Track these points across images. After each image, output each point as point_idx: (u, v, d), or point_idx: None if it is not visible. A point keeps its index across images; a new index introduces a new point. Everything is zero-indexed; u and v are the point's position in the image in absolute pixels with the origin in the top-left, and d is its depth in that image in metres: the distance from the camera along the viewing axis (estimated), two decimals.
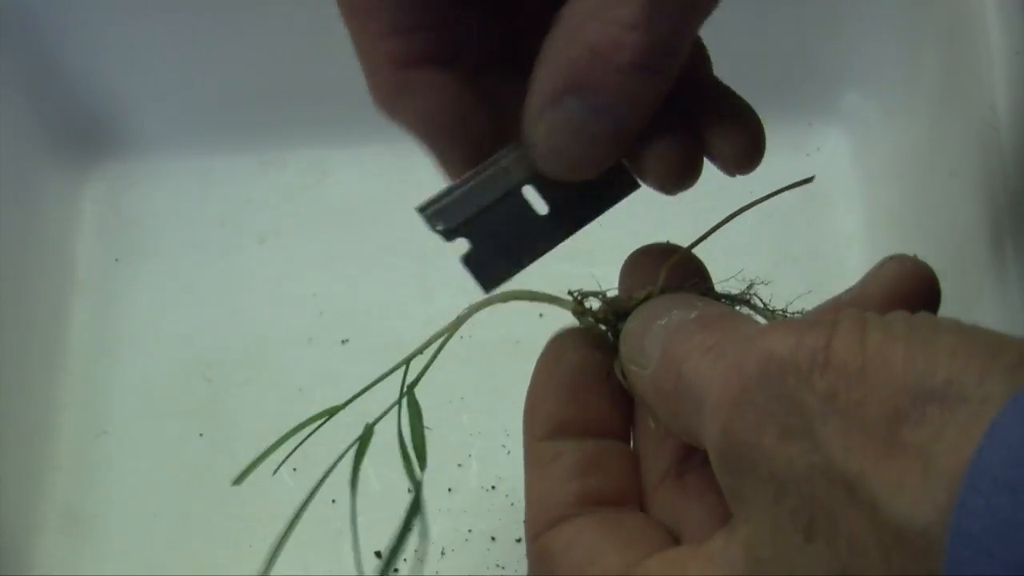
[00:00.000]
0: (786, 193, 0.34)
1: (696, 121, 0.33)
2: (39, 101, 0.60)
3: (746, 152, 0.33)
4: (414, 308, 0.58)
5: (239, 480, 0.35)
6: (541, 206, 0.35)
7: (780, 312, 0.33)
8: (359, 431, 0.55)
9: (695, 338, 0.29)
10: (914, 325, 0.25)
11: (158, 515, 0.54)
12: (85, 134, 0.62)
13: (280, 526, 0.53)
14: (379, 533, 0.53)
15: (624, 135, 0.31)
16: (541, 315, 0.57)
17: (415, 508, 0.36)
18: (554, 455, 0.33)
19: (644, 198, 0.35)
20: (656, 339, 0.31)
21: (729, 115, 0.33)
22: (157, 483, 0.54)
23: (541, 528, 0.32)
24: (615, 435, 0.33)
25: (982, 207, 0.49)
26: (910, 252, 0.34)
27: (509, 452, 0.54)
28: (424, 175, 0.62)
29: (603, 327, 0.34)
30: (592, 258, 0.57)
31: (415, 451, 0.39)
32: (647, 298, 0.33)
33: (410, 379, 0.38)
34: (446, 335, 0.36)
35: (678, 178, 0.33)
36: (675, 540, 0.30)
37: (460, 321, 0.36)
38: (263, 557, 0.53)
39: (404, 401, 0.37)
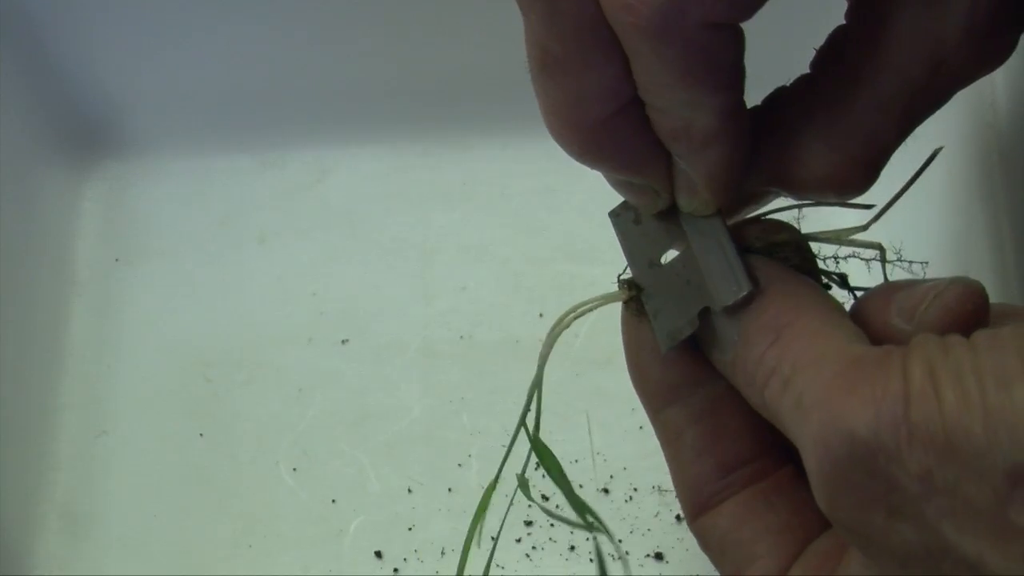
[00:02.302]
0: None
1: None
2: (39, 101, 0.60)
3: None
4: (414, 308, 0.58)
5: None
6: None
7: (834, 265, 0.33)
8: (362, 432, 0.55)
9: (767, 360, 0.29)
10: (982, 373, 0.25)
11: (158, 515, 0.54)
12: (85, 134, 0.62)
13: (280, 526, 0.54)
14: (379, 533, 0.53)
15: None
16: (541, 315, 0.57)
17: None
18: (677, 431, 0.33)
19: None
20: (725, 326, 0.31)
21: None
22: (157, 483, 0.54)
23: (694, 513, 0.33)
24: (714, 375, 0.33)
25: (982, 207, 0.49)
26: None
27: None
28: (423, 175, 0.62)
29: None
30: (592, 257, 0.57)
31: (576, 509, 0.40)
32: None
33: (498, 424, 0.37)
34: (539, 368, 0.36)
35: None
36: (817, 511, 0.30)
37: (543, 359, 0.36)
38: (263, 557, 0.53)
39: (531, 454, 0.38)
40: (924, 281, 0.29)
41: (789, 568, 0.32)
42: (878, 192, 0.33)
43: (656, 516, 0.52)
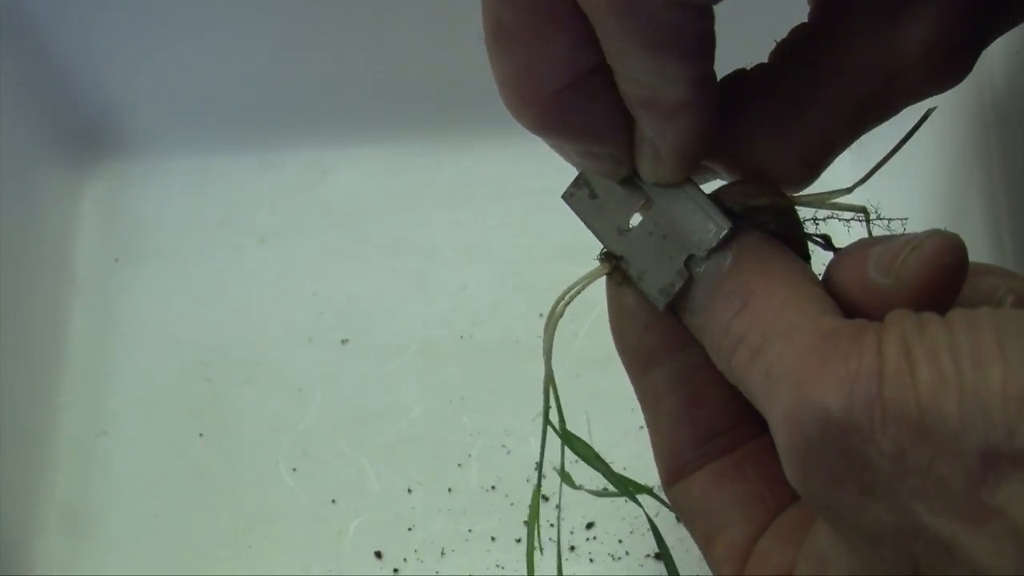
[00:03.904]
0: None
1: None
2: (39, 101, 0.60)
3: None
4: (414, 308, 0.58)
5: None
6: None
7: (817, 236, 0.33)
8: (362, 432, 0.55)
9: (734, 328, 0.29)
10: (958, 353, 0.25)
11: (158, 515, 0.54)
12: (85, 134, 0.62)
13: (280, 526, 0.54)
14: (379, 533, 0.53)
15: None
16: (541, 315, 0.57)
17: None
18: (656, 397, 0.33)
19: None
20: (698, 291, 0.31)
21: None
22: (157, 483, 0.54)
23: (669, 480, 0.34)
24: (694, 341, 0.33)
25: (980, 207, 0.49)
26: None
27: (509, 452, 0.54)
28: (423, 175, 0.62)
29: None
30: (592, 257, 0.57)
31: (620, 486, 0.41)
32: None
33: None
34: (546, 363, 0.37)
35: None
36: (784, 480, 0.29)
37: (548, 352, 0.36)
38: (263, 557, 0.53)
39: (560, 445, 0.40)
40: (901, 236, 0.29)
41: (758, 537, 0.32)
42: (868, 155, 0.33)
43: (656, 516, 0.52)
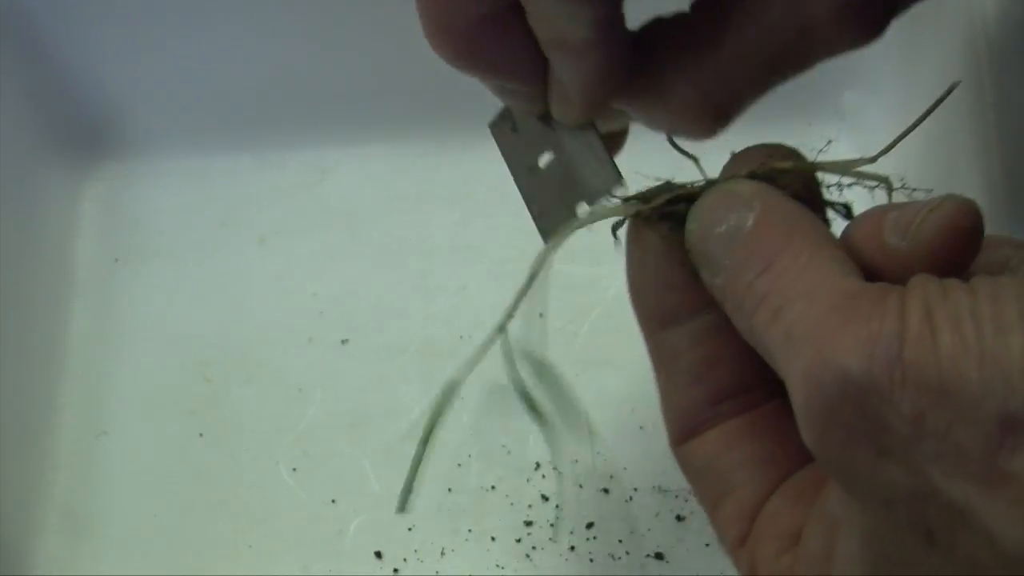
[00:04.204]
0: None
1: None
2: (39, 101, 0.60)
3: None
4: (414, 308, 0.58)
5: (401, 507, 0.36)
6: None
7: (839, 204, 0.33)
8: (362, 432, 0.55)
9: (756, 288, 0.29)
10: (981, 319, 0.25)
11: (158, 515, 0.54)
12: (85, 134, 0.62)
13: (280, 526, 0.54)
14: (379, 533, 0.53)
15: None
16: (541, 315, 0.57)
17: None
18: (673, 354, 0.33)
19: None
20: (719, 249, 0.30)
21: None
22: (157, 483, 0.54)
23: (680, 439, 0.33)
24: (714, 301, 0.32)
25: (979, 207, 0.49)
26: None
27: (509, 452, 0.54)
28: (423, 175, 0.62)
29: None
30: (592, 257, 0.57)
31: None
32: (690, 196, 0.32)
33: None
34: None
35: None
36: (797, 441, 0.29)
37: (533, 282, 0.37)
38: (263, 557, 0.53)
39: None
40: (918, 201, 0.29)
41: (767, 498, 0.32)
42: (893, 125, 0.33)
43: (656, 516, 0.52)
